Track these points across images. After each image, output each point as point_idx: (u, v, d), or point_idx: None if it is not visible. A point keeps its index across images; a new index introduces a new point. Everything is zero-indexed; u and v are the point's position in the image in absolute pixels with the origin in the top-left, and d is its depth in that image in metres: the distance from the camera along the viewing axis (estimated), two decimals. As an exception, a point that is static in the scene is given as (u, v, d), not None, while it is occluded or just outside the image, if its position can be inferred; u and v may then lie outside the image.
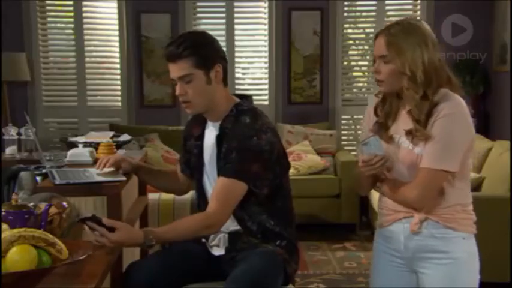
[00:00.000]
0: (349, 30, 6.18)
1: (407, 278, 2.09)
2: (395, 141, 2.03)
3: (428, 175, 1.93)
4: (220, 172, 2.16)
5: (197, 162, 2.32)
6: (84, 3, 5.99)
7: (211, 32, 2.29)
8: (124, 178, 2.31)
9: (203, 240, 2.32)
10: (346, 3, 6.05)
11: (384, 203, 2.12)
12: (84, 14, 6.01)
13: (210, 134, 2.27)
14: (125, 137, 3.22)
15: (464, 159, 1.97)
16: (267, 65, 6.10)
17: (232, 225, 2.22)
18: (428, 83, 1.95)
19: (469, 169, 2.05)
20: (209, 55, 2.16)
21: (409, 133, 1.98)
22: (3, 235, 1.56)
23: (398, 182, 2.02)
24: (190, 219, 2.16)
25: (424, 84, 1.94)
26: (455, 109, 1.93)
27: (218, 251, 2.29)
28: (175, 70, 2.15)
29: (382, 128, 2.07)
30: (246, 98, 2.30)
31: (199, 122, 2.33)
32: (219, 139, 2.21)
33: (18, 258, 1.54)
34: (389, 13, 6.09)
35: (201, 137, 2.31)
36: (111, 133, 3.33)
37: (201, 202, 2.33)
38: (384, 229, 2.13)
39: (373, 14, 6.08)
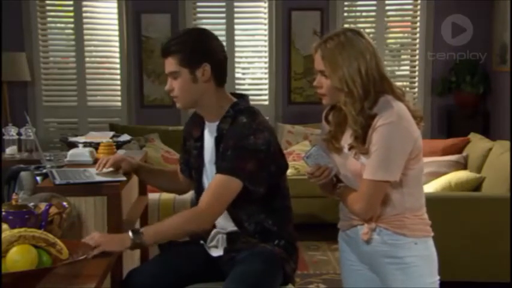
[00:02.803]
0: (349, 31, 6.18)
1: (370, 279, 2.10)
2: (343, 151, 2.02)
3: (370, 187, 1.92)
4: (216, 170, 2.16)
5: (196, 163, 2.31)
6: (84, 3, 5.99)
7: (211, 32, 2.28)
8: (124, 178, 2.30)
9: (201, 241, 2.32)
10: (346, 3, 6.06)
11: (341, 207, 2.12)
12: (84, 14, 6.01)
13: (209, 135, 2.27)
14: (125, 137, 3.22)
15: (412, 165, 1.95)
16: (267, 65, 6.11)
17: (230, 225, 2.22)
18: (366, 96, 1.92)
19: (418, 174, 2.01)
20: (196, 54, 2.16)
21: (351, 147, 1.98)
22: (3, 235, 1.57)
23: (348, 191, 2.01)
24: (178, 215, 2.13)
25: (362, 98, 1.92)
26: (392, 118, 1.88)
27: (217, 252, 2.28)
28: (166, 65, 2.21)
29: (333, 138, 2.06)
30: (243, 97, 2.30)
31: (197, 123, 2.32)
32: (218, 141, 2.21)
33: (18, 258, 1.54)
34: (389, 13, 6.09)
35: (200, 138, 2.30)
36: (111, 133, 3.33)
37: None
38: (343, 233, 2.15)
39: (373, 14, 6.09)
